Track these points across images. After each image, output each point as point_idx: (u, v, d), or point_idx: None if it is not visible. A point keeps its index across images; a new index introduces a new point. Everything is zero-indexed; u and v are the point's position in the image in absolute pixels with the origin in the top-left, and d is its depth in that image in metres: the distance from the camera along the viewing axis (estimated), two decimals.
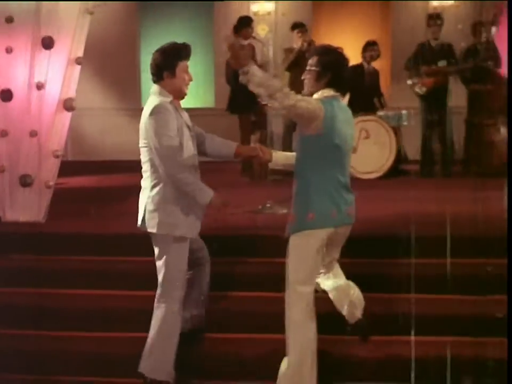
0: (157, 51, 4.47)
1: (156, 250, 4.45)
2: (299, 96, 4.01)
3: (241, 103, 8.77)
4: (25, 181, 5.92)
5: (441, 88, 9.41)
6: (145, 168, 4.43)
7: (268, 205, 6.67)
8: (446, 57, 9.40)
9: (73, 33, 5.84)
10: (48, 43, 5.69)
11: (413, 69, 9.51)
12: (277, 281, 4.57)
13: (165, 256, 4.40)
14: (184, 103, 4.57)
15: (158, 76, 4.42)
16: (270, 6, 12.57)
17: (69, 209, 7.00)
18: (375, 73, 9.91)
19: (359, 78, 9.56)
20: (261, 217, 6.46)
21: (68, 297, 5.40)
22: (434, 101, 9.40)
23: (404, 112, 9.69)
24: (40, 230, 6.00)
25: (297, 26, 9.70)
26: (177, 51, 4.46)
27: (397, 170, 9.64)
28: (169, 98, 4.38)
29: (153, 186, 4.37)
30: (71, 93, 6.01)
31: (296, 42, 9.60)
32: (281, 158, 4.67)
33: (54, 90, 5.89)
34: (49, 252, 5.71)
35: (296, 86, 9.47)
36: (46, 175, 6.03)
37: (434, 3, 12.32)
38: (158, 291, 4.44)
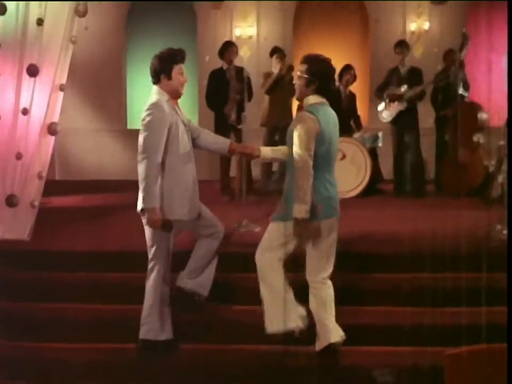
0: (155, 56, 5.04)
1: (148, 231, 4.99)
2: (304, 156, 4.56)
3: (225, 124, 9.11)
4: (12, 201, 6.13)
5: (409, 111, 9.68)
6: None
7: (244, 223, 6.97)
8: (413, 82, 9.64)
9: (57, 62, 6.10)
10: (33, 71, 5.95)
11: (381, 95, 9.88)
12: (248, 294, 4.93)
13: (155, 236, 4.95)
14: None
15: (156, 78, 5.02)
16: (252, 30, 12.87)
17: (54, 228, 7.27)
18: (351, 97, 10.21)
19: (336, 101, 9.85)
20: (236, 235, 6.76)
21: (52, 310, 5.63)
22: (403, 124, 9.72)
23: (379, 133, 10.04)
24: (25, 248, 6.24)
25: (276, 51, 10.00)
26: (172, 55, 5.01)
27: (373, 189, 9.96)
28: (166, 97, 4.92)
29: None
30: (55, 118, 6.26)
31: (275, 66, 9.85)
32: (268, 153, 5.21)
33: (39, 115, 6.13)
34: (32, 268, 5.99)
35: (275, 108, 9.87)
36: (31, 195, 6.26)
37: (412, 27, 12.71)
38: (149, 265, 5.02)
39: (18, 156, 6.13)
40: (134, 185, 11.11)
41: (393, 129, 9.88)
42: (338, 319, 4.87)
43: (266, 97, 9.95)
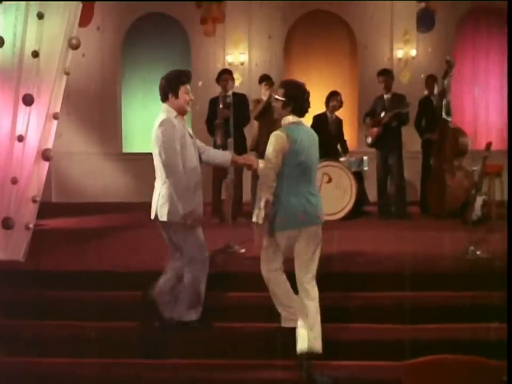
0: (163, 77, 5.56)
1: (173, 234, 5.56)
2: (267, 170, 5.18)
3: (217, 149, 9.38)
4: (7, 224, 6.40)
5: (392, 135, 10.00)
6: (157, 170, 5.49)
7: (229, 245, 7.28)
8: (396, 108, 9.95)
9: (51, 92, 6.38)
10: (28, 100, 6.24)
11: (365, 122, 10.27)
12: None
13: (183, 237, 5.50)
14: None
15: (164, 97, 5.52)
16: (244, 57, 13.18)
17: (49, 249, 7.54)
18: (338, 122, 10.53)
19: (323, 126, 10.18)
20: (222, 256, 7.05)
21: (46, 328, 5.90)
22: (386, 147, 10.04)
23: (364, 158, 10.36)
24: (20, 268, 6.51)
25: (264, 79, 10.29)
26: (179, 76, 5.57)
27: (359, 211, 10.26)
28: (174, 114, 5.44)
29: (162, 184, 5.40)
30: (49, 144, 6.53)
31: (264, 94, 10.14)
32: None
33: (33, 142, 6.39)
34: (27, 287, 6.27)
35: (264, 133, 10.15)
36: (25, 218, 6.53)
37: (399, 54, 13.03)
38: (184, 261, 5.58)
39: (14, 181, 6.39)
40: (128, 207, 11.50)
41: (377, 153, 10.20)
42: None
43: (256, 123, 10.24)
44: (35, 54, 6.27)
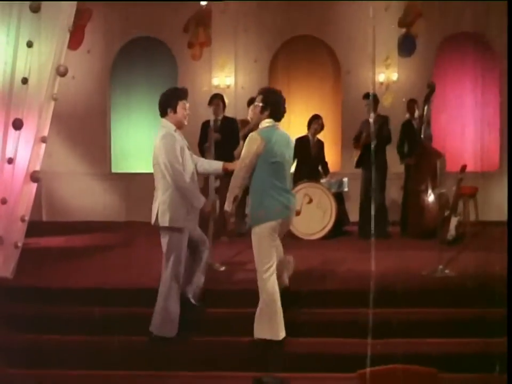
0: (162, 93, 6.13)
1: (165, 239, 5.87)
2: (239, 169, 5.77)
3: None
4: None
5: (376, 157, 10.24)
6: (157, 180, 5.92)
7: (209, 263, 7.54)
8: (380, 129, 10.31)
9: (39, 116, 6.66)
10: (18, 124, 6.51)
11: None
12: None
13: (172, 243, 5.85)
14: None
15: (163, 112, 6.02)
16: (230, 80, 13.50)
17: (38, 266, 7.81)
18: (319, 144, 10.86)
19: (305, 149, 10.52)
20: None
21: (33, 341, 6.17)
22: (370, 168, 10.32)
23: (344, 179, 10.69)
24: (8, 284, 6.77)
25: (252, 102, 10.61)
26: (177, 93, 6.14)
27: (340, 231, 10.56)
28: (174, 128, 5.90)
29: (163, 194, 5.83)
30: (37, 167, 6.80)
31: (251, 116, 10.47)
32: None
33: (22, 164, 6.67)
34: (15, 302, 6.55)
35: None
36: (14, 237, 6.80)
37: (381, 78, 13.37)
38: (165, 268, 5.93)
39: (4, 201, 6.66)
40: (116, 226, 11.78)
41: (362, 173, 10.50)
42: None
43: (242, 144, 10.52)
44: (24, 81, 6.54)
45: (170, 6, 13.06)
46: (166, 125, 5.97)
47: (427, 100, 9.74)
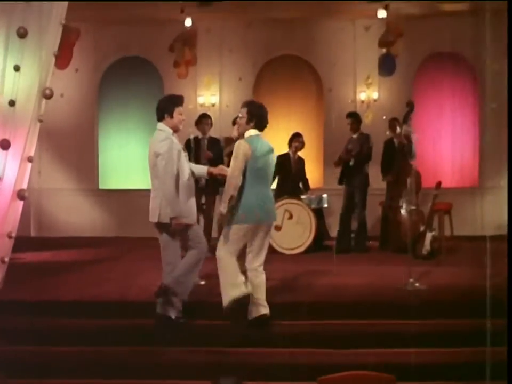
0: (160, 99, 6.68)
1: (164, 235, 6.45)
2: (234, 171, 6.26)
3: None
4: None
5: (358, 174, 10.68)
6: (154, 181, 6.51)
7: None
8: (362, 146, 10.65)
9: (26, 137, 6.91)
10: (5, 145, 6.77)
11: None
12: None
13: (169, 237, 6.44)
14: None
15: (160, 116, 6.51)
16: (215, 99, 13.82)
17: (23, 280, 8.11)
18: (300, 161, 11.17)
19: (286, 166, 10.84)
20: None
21: (19, 352, 6.43)
22: (353, 185, 10.68)
23: (324, 195, 10.95)
24: None
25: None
26: (174, 99, 6.62)
27: (321, 246, 10.86)
28: (170, 131, 6.40)
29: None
30: (24, 185, 7.04)
31: (235, 134, 10.75)
32: None
33: (9, 183, 6.91)
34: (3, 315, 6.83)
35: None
36: (1, 253, 7.05)
37: (362, 96, 13.72)
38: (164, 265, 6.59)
39: None
40: (103, 242, 12.04)
41: (344, 189, 10.83)
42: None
43: (226, 160, 10.82)
44: (12, 103, 6.79)
45: (157, 26, 13.43)
46: (164, 128, 6.46)
47: (406, 118, 9.98)
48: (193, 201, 6.58)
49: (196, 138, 10.14)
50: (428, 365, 6.03)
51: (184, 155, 6.50)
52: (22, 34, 6.74)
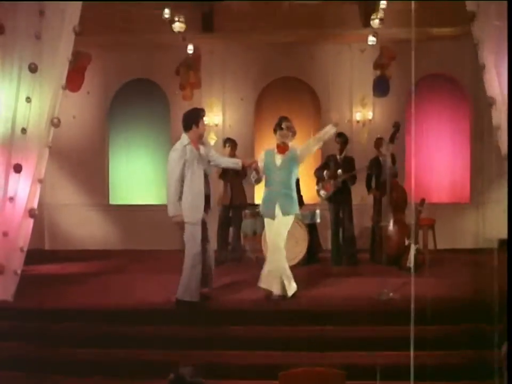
0: (186, 112, 7.81)
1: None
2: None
3: None
4: None
5: (343, 191, 11.23)
6: None
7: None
8: (346, 168, 11.18)
9: (36, 161, 7.72)
10: (18, 168, 7.56)
11: (319, 176, 11.37)
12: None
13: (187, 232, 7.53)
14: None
15: (187, 127, 7.65)
16: (218, 119, 14.49)
17: (34, 290, 8.81)
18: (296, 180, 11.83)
19: None
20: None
21: (31, 351, 7.15)
22: (338, 202, 11.30)
23: (317, 211, 11.65)
24: (9, 306, 7.77)
25: (228, 141, 11.69)
26: (199, 112, 7.82)
27: (314, 259, 11.51)
28: (186, 142, 7.52)
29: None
30: (34, 204, 7.84)
31: (228, 154, 11.38)
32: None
33: (21, 202, 7.67)
34: (15, 321, 7.58)
35: (228, 191, 11.28)
36: (14, 265, 7.79)
37: (358, 116, 14.35)
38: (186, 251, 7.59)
39: (5, 234, 7.69)
40: (112, 254, 12.77)
41: (330, 206, 11.45)
42: None
43: (221, 180, 11.58)
44: (23, 131, 7.61)
45: (163, 51, 14.18)
46: (182, 139, 7.59)
47: (392, 138, 10.49)
48: (198, 203, 7.52)
49: None
50: (393, 366, 6.66)
51: (198, 166, 7.50)
52: (33, 69, 7.57)
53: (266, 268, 7.95)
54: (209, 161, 7.74)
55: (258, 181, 8.24)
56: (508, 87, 7.17)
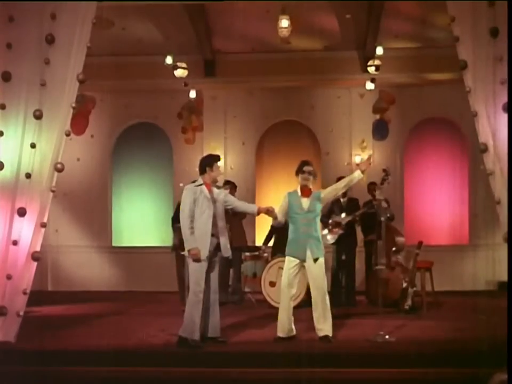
0: (203, 157, 8.17)
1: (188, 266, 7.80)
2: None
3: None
4: (1, 312, 7.74)
5: (348, 235, 11.42)
6: None
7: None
8: (351, 210, 11.42)
9: (39, 205, 7.85)
10: (21, 212, 7.70)
11: (326, 221, 11.49)
12: None
13: (189, 268, 7.74)
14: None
15: (203, 170, 7.90)
16: (220, 162, 14.69)
17: (36, 332, 8.90)
18: None
19: (282, 231, 11.67)
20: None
21: None
22: (343, 245, 11.45)
23: None
24: (11, 347, 7.86)
25: (227, 183, 11.87)
26: (213, 157, 8.08)
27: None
28: (200, 183, 7.81)
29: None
30: (37, 248, 7.95)
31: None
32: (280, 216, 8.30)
33: (25, 246, 7.74)
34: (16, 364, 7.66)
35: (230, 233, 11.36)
36: (16, 307, 7.83)
37: (357, 159, 14.48)
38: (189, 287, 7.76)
39: (9, 277, 7.79)
40: (115, 296, 12.88)
41: (334, 249, 11.61)
42: None
43: None
44: (28, 176, 7.76)
45: (166, 95, 14.48)
46: (197, 182, 7.91)
47: (383, 183, 10.64)
48: (204, 242, 7.70)
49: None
50: None
51: (207, 205, 7.72)
52: (37, 115, 7.79)
53: (321, 314, 8.10)
54: (226, 204, 8.04)
55: (279, 224, 8.57)
56: (508, 92, 7.29)
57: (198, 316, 7.66)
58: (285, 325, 8.16)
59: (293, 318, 8.25)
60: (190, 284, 7.77)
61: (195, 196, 7.67)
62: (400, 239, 11.33)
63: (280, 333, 8.15)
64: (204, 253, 7.66)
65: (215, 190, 7.97)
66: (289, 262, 8.20)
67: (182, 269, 11.02)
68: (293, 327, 8.26)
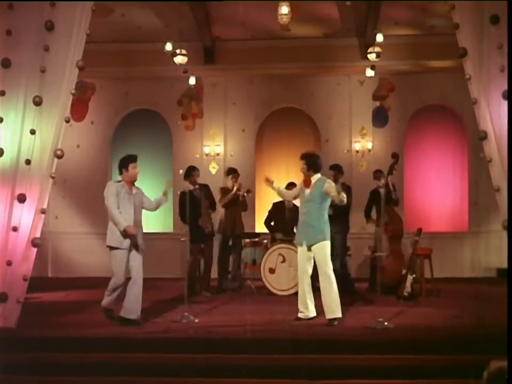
0: (120, 159, 8.53)
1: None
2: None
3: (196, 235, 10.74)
4: (2, 298, 7.77)
5: (337, 222, 11.22)
6: None
7: (185, 315, 8.65)
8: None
9: (39, 191, 7.88)
10: (21, 198, 7.72)
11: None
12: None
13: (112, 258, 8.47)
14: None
15: (119, 171, 8.43)
16: (220, 149, 14.76)
17: (37, 318, 8.94)
18: (294, 209, 11.99)
19: (281, 212, 11.75)
20: (176, 325, 8.47)
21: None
22: (332, 232, 11.31)
23: None
24: (12, 333, 7.90)
25: (231, 172, 11.86)
26: (128, 158, 8.48)
27: (314, 288, 11.62)
28: (121, 182, 8.37)
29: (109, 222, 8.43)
30: (37, 234, 7.94)
31: (231, 185, 11.67)
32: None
33: (25, 232, 7.78)
34: (16, 350, 7.70)
35: (230, 220, 11.45)
36: (17, 294, 7.89)
37: (357, 146, 14.57)
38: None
39: (9, 263, 7.81)
40: None
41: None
42: None
43: (222, 209, 11.77)
44: (28, 162, 7.77)
45: (166, 82, 14.48)
46: (116, 180, 8.52)
47: (391, 169, 10.67)
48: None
49: (184, 192, 10.62)
50: None
51: (127, 198, 8.34)
52: (37, 102, 7.79)
53: (327, 297, 8.40)
54: (143, 205, 8.63)
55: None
56: (508, 91, 7.28)
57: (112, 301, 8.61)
58: (306, 306, 8.66)
59: (313, 300, 8.74)
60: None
61: (117, 189, 8.28)
62: (399, 226, 11.33)
63: (301, 314, 8.60)
64: (123, 243, 8.29)
65: (133, 188, 8.49)
66: (299, 249, 8.73)
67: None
68: (313, 308, 8.70)
